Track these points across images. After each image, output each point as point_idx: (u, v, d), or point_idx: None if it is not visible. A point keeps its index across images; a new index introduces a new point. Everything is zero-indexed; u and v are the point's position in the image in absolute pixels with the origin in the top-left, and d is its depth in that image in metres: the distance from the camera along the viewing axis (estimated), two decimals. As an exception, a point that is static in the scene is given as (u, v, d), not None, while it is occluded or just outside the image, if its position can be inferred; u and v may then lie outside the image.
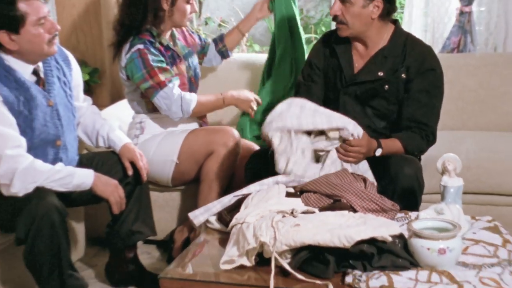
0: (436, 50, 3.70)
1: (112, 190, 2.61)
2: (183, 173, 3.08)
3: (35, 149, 2.49)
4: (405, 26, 3.72)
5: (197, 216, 2.33)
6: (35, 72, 2.52)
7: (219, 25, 6.42)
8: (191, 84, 3.23)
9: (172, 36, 3.21)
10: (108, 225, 2.85)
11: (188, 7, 3.07)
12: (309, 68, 2.80)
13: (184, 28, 3.33)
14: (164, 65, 3.01)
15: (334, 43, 2.75)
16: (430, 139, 2.64)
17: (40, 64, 2.53)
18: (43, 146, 2.53)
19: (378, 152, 2.52)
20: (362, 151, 2.45)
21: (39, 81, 2.53)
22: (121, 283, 2.94)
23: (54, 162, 2.56)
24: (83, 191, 2.57)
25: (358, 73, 2.69)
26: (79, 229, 3.13)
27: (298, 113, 2.37)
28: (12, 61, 2.44)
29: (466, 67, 3.48)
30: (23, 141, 2.43)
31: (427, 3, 3.77)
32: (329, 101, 2.73)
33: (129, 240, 2.84)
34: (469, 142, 3.14)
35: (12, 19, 2.34)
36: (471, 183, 2.84)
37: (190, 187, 3.18)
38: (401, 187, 2.42)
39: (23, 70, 2.47)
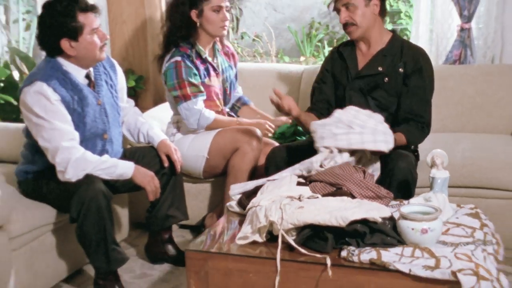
0: (440, 61, 3.76)
1: (149, 180, 2.69)
2: (212, 167, 3.14)
3: (86, 141, 2.61)
4: (412, 40, 3.75)
5: (234, 189, 2.45)
6: (87, 76, 2.65)
7: (253, 40, 6.53)
8: (225, 95, 3.29)
9: (214, 49, 3.24)
10: (148, 210, 2.94)
11: (216, 15, 3.09)
12: (321, 73, 2.94)
13: (230, 46, 3.36)
14: (195, 80, 3.06)
15: (342, 49, 2.90)
16: (425, 131, 2.75)
17: (91, 69, 2.66)
18: (93, 139, 2.65)
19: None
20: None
21: (90, 84, 2.66)
22: (158, 260, 3.03)
23: (101, 152, 2.67)
24: (125, 181, 2.67)
25: (361, 69, 2.81)
26: (123, 213, 3.22)
27: (347, 131, 2.48)
28: (69, 67, 2.58)
29: (465, 76, 3.49)
30: (76, 135, 2.54)
31: (432, 20, 3.77)
32: (337, 97, 2.86)
33: (165, 223, 2.94)
34: (465, 142, 3.17)
35: (73, 29, 2.50)
36: (465, 178, 2.91)
37: (219, 180, 3.24)
38: (397, 179, 2.52)
39: (77, 74, 2.60)
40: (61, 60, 2.58)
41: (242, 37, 6.90)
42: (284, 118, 3.25)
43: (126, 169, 2.64)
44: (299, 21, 7.04)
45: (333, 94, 2.89)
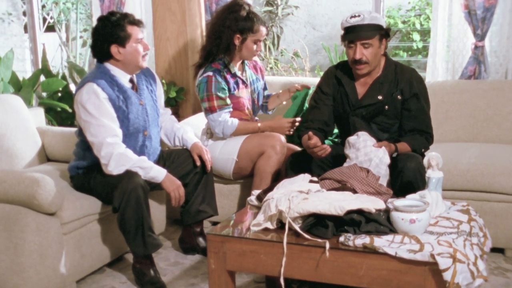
0: (456, 76, 3.90)
1: (174, 188, 2.93)
2: (241, 168, 3.37)
3: (130, 136, 2.90)
4: (430, 57, 3.93)
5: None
6: (131, 81, 2.97)
7: (292, 57, 6.79)
8: (254, 105, 3.52)
9: (243, 64, 3.49)
10: (182, 206, 3.17)
11: (255, 46, 3.36)
12: (321, 94, 3.06)
13: (258, 60, 3.59)
14: (223, 94, 3.30)
15: (339, 75, 3.02)
16: (429, 140, 2.95)
17: (134, 76, 2.98)
18: (135, 134, 2.93)
19: (395, 154, 2.84)
20: None
21: (133, 87, 2.98)
22: (190, 251, 3.29)
23: (142, 147, 2.96)
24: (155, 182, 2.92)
25: (361, 98, 2.96)
26: (161, 209, 3.46)
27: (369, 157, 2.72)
28: (115, 71, 2.91)
29: (478, 91, 3.63)
30: (119, 133, 2.83)
31: (449, 38, 3.90)
32: (342, 121, 3.05)
33: (197, 217, 3.19)
34: (473, 150, 3.30)
35: (122, 37, 2.86)
36: (469, 182, 3.07)
37: (247, 181, 3.45)
38: (406, 178, 2.70)
39: (123, 78, 2.93)
40: (109, 65, 2.92)
41: (282, 54, 7.16)
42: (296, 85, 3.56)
43: (158, 173, 2.91)
44: (336, 39, 7.25)
45: (331, 115, 3.04)
